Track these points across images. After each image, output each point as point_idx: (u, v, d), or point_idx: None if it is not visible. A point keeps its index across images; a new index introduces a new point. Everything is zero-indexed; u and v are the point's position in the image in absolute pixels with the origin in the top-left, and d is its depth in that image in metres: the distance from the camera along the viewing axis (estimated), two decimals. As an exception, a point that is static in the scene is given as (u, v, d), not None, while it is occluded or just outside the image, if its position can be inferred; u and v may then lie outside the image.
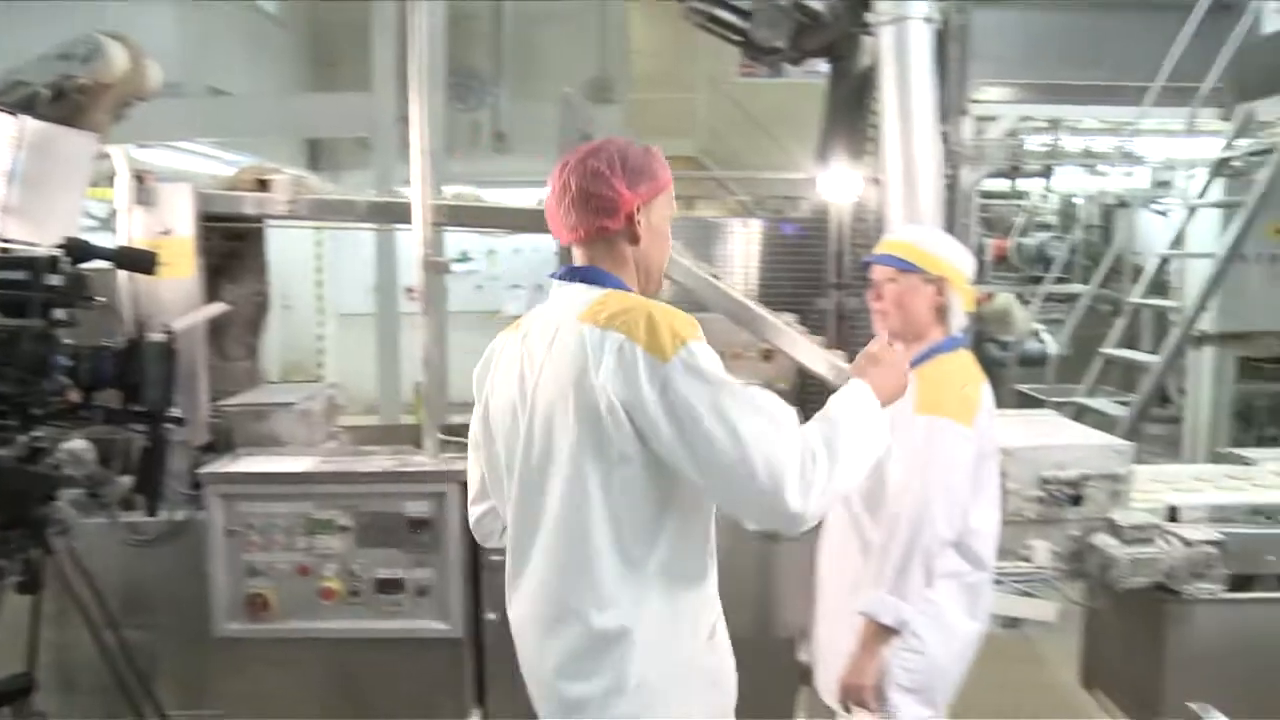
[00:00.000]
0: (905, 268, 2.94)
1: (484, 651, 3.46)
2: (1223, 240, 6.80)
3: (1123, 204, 9.96)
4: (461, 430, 3.89)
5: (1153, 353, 7.23)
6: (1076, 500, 3.61)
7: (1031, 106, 8.46)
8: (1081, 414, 7.11)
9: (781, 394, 2.03)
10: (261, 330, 4.37)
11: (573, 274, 2.17)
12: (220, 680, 3.49)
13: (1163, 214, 9.65)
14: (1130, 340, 7.97)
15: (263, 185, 3.89)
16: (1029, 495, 3.62)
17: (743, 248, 7.18)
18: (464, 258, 12.74)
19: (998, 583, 3.68)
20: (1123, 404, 7.14)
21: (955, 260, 2.97)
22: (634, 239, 2.15)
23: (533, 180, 4.20)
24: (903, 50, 3.45)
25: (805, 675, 3.55)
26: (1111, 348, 7.47)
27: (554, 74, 12.74)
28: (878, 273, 3.01)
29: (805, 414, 2.15)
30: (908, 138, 3.37)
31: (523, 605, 2.19)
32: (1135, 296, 7.45)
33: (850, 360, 3.71)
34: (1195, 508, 3.80)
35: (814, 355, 3.68)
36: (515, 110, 13.31)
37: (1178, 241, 7.37)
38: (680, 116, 13.92)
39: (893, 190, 3.41)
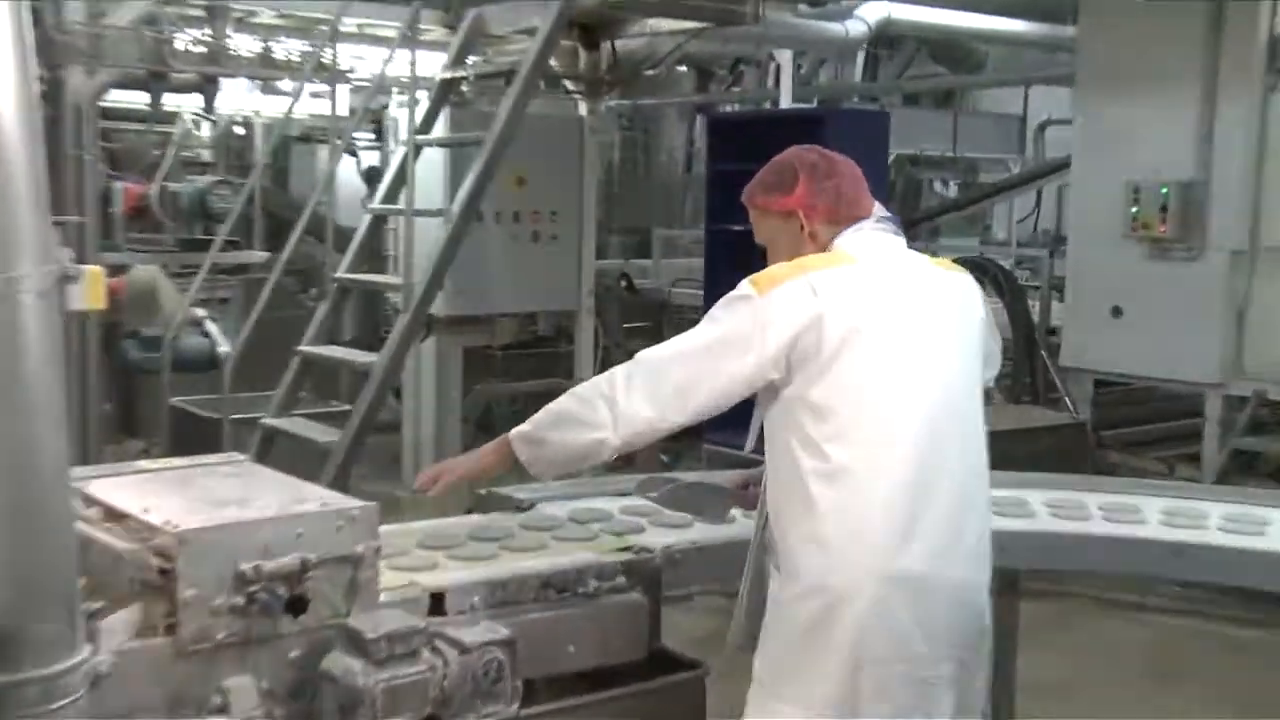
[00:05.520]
0: None
1: None
2: (460, 194, 4.99)
3: (307, 138, 7.71)
4: None
5: (369, 348, 5.28)
6: (297, 604, 2.41)
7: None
8: (273, 440, 5.08)
9: None
10: None
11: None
12: None
13: (353, 155, 7.67)
14: (331, 330, 5.77)
15: None
16: (218, 606, 2.34)
17: None
18: None
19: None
20: (333, 417, 5.17)
21: None
22: None
23: None
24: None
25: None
26: (311, 342, 5.30)
27: None
28: None
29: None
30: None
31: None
32: (344, 270, 5.30)
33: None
34: (466, 588, 2.67)
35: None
36: None
37: (393, 192, 5.44)
38: None
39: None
